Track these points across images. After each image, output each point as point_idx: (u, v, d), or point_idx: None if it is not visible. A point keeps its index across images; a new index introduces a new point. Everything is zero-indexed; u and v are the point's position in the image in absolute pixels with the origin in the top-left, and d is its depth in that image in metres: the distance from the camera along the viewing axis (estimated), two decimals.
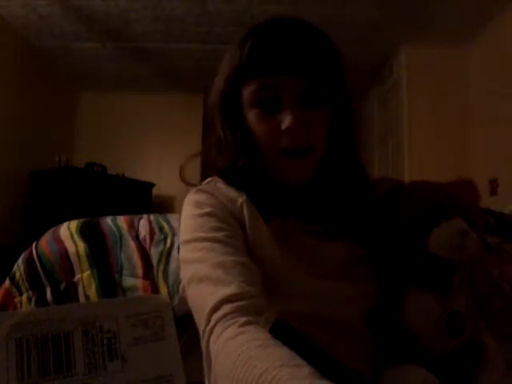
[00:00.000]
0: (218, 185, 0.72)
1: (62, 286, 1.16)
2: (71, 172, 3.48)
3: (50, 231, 1.20)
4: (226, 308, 0.50)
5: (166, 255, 1.21)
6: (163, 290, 1.18)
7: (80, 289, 1.16)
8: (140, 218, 1.27)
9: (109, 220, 1.23)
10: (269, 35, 0.65)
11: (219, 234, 0.61)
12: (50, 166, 3.65)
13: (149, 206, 3.97)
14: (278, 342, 0.46)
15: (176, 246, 1.24)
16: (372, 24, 3.13)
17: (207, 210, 0.65)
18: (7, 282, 1.15)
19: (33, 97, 3.62)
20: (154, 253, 1.21)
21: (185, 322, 1.11)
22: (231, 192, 0.69)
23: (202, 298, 0.55)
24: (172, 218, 1.30)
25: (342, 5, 2.90)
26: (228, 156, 0.70)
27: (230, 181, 0.71)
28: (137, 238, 1.21)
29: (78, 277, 1.16)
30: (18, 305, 1.12)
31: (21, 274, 1.14)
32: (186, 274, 0.62)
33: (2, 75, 3.21)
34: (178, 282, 1.22)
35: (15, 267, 1.16)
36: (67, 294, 1.16)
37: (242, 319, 0.49)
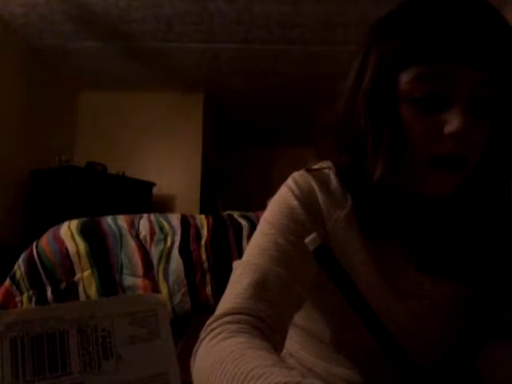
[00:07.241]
0: (331, 176, 0.62)
1: (63, 285, 1.16)
2: (72, 171, 3.48)
3: (51, 230, 1.21)
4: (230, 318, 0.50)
5: (167, 254, 1.21)
6: (163, 289, 1.18)
7: (80, 288, 1.16)
8: (140, 218, 1.27)
9: (109, 219, 1.23)
10: (445, 11, 0.51)
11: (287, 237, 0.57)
12: (51, 165, 3.65)
13: (149, 205, 3.97)
14: (268, 347, 0.45)
15: (176, 245, 1.24)
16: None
17: (297, 203, 0.59)
18: (8, 282, 1.15)
19: (33, 96, 3.62)
20: (155, 252, 1.21)
21: (185, 321, 1.11)
22: (339, 193, 0.61)
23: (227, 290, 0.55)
24: (172, 217, 1.30)
25: (342, 5, 2.90)
26: (359, 155, 0.58)
27: (343, 180, 0.62)
28: (137, 237, 1.21)
29: (78, 276, 1.16)
30: (19, 304, 1.12)
31: (21, 274, 1.14)
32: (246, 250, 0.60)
33: (1, 75, 3.21)
34: (178, 281, 1.22)
35: (16, 267, 1.16)
36: (68, 293, 1.16)
37: (234, 327, 0.48)
